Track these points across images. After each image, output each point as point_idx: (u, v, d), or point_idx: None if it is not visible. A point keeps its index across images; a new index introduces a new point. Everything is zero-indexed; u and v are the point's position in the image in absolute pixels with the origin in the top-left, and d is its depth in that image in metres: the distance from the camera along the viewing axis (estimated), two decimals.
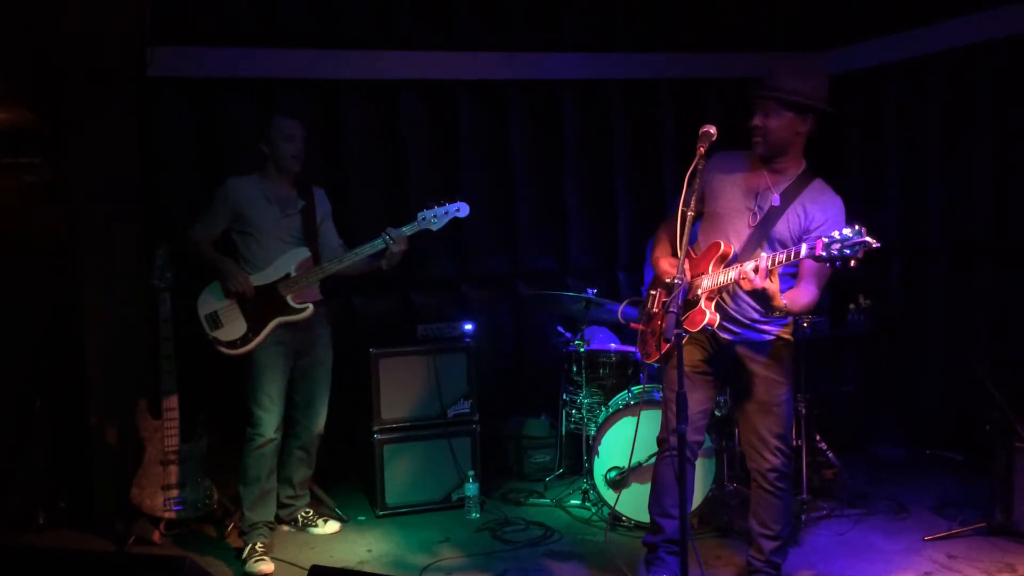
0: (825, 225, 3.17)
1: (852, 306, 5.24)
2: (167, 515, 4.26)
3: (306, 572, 2.99)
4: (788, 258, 2.94)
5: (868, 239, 2.69)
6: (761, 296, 3.02)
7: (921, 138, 5.31)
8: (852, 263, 2.72)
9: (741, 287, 3.07)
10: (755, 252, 3.22)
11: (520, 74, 5.35)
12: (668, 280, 3.37)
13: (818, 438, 4.81)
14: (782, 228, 3.24)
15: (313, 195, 4.27)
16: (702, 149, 3.14)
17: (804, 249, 2.86)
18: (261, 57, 4.87)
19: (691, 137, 3.19)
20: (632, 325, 3.61)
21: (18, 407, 4.57)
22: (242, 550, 4.07)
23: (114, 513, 4.35)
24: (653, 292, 3.56)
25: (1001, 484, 4.10)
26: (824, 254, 2.76)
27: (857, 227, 2.73)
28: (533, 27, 5.36)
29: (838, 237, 2.74)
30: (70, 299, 4.55)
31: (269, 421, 4.08)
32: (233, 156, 4.84)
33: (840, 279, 5.31)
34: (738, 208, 3.30)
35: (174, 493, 4.28)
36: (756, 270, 2.98)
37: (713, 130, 3.16)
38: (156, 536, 4.25)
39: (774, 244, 3.25)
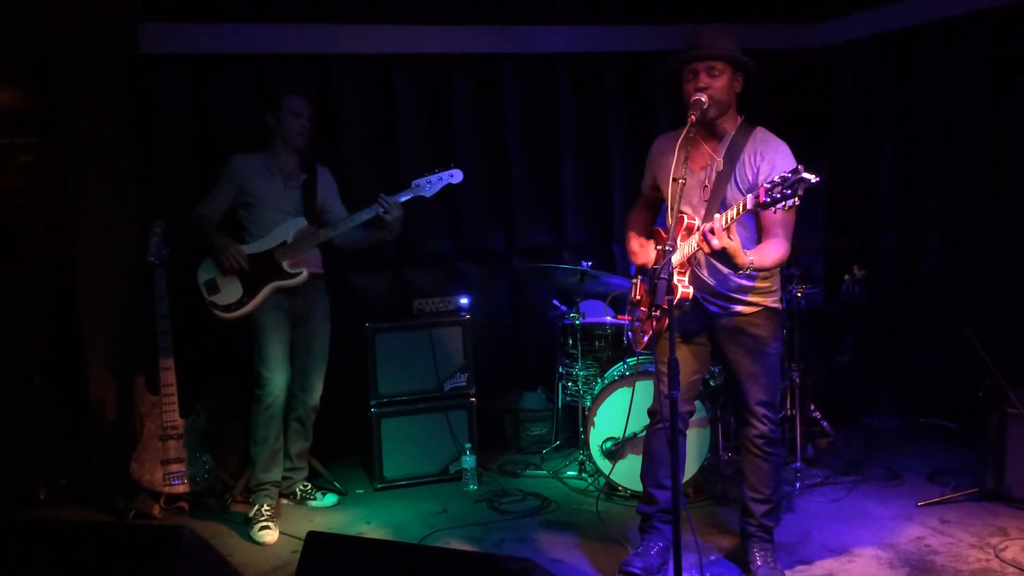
0: (773, 172, 3.19)
1: (847, 277, 5.27)
2: (167, 490, 4.30)
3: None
4: (738, 212, 2.99)
5: (805, 175, 2.76)
6: (724, 256, 3.05)
7: (915, 109, 5.30)
8: (796, 200, 2.80)
9: (704, 251, 3.10)
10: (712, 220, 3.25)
11: (514, 48, 5.33)
12: (658, 247, 3.39)
13: (813, 407, 4.84)
14: (733, 194, 3.26)
15: (316, 172, 4.35)
16: (693, 117, 3.16)
17: (750, 200, 2.93)
18: (254, 32, 4.86)
19: (686, 109, 3.19)
20: (619, 317, 3.63)
21: (18, 385, 4.60)
22: (248, 512, 4.14)
23: (114, 488, 4.39)
24: (635, 280, 3.58)
25: (993, 450, 4.14)
26: (767, 199, 2.84)
27: (796, 166, 2.79)
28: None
29: (777, 180, 2.81)
30: (68, 277, 4.57)
31: (276, 381, 4.16)
32: (227, 131, 4.84)
33: (834, 250, 5.39)
34: (690, 185, 3.32)
35: (173, 468, 4.31)
36: (712, 231, 3.01)
37: (705, 98, 3.18)
38: (156, 511, 4.29)
39: (730, 207, 3.26)
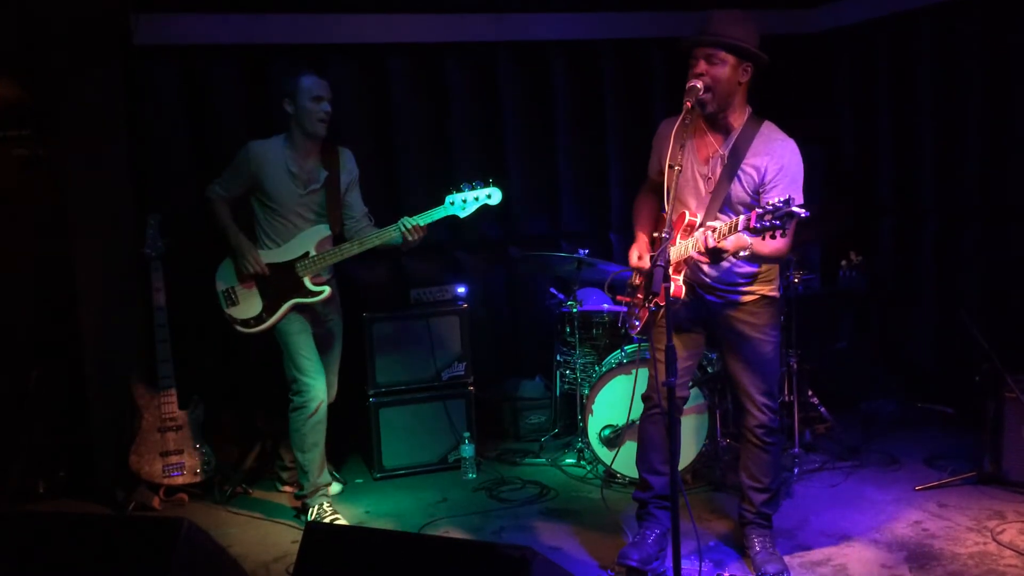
0: (779, 175, 3.18)
1: (844, 262, 5.28)
2: (166, 481, 4.31)
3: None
4: (731, 230, 2.98)
5: (795, 209, 2.77)
6: (716, 255, 3.06)
7: (912, 94, 5.29)
8: (781, 233, 2.82)
9: (704, 263, 3.13)
10: (714, 219, 3.25)
11: (509, 36, 5.32)
12: (655, 234, 3.39)
13: (811, 393, 4.85)
14: (737, 190, 3.24)
15: (339, 162, 4.06)
16: (688, 104, 3.14)
17: (741, 222, 2.92)
18: (248, 23, 4.84)
19: (681, 96, 3.17)
20: (619, 298, 3.63)
21: (16, 378, 4.59)
22: (307, 511, 4.08)
23: (114, 481, 4.39)
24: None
25: (991, 434, 4.15)
26: (757, 225, 2.84)
27: (788, 197, 2.80)
28: None
29: (769, 208, 2.81)
30: (65, 270, 4.56)
31: (316, 385, 4.03)
32: (221, 123, 4.83)
33: (831, 236, 5.39)
34: (692, 175, 3.31)
35: (173, 460, 4.32)
36: (707, 250, 3.03)
37: (700, 84, 3.16)
38: (156, 502, 4.30)
39: (734, 207, 3.26)
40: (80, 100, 4.48)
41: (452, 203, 3.89)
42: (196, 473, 4.36)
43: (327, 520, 4.01)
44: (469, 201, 3.89)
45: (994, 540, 3.60)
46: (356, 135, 5.16)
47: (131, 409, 4.35)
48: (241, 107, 4.92)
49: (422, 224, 3.88)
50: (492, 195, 3.92)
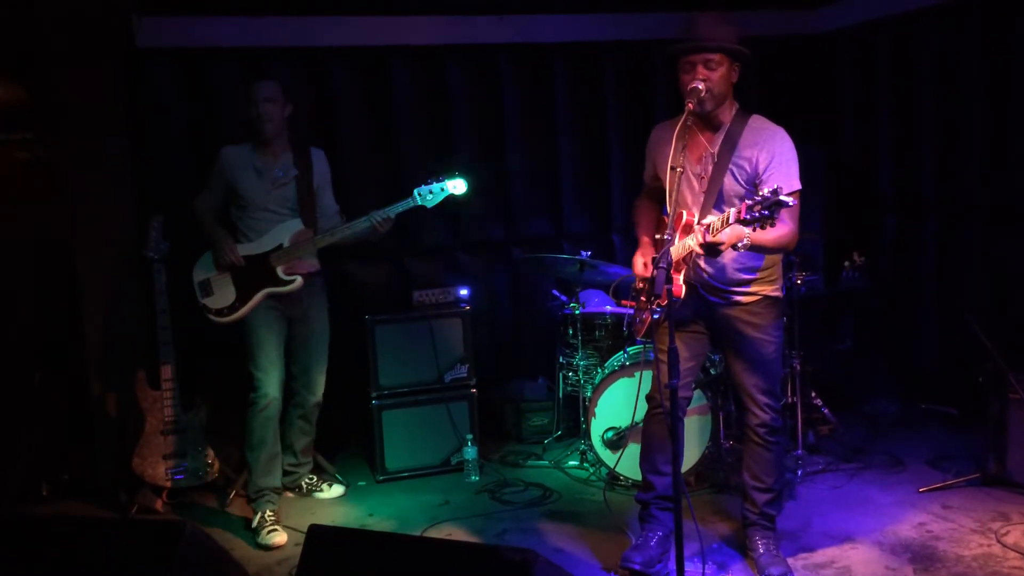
0: (772, 164, 3.20)
1: (847, 263, 5.27)
2: (169, 484, 4.31)
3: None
4: (724, 223, 2.98)
5: (783, 198, 2.78)
6: (714, 250, 3.06)
7: (913, 94, 5.28)
8: (774, 221, 2.84)
9: (701, 255, 3.13)
10: (709, 214, 3.25)
11: (510, 38, 5.32)
12: (658, 236, 3.40)
13: (814, 395, 4.84)
14: (730, 184, 3.25)
15: (311, 160, 4.20)
16: (691, 105, 3.14)
17: (733, 214, 2.93)
18: (249, 26, 4.85)
19: (683, 97, 3.17)
20: (624, 303, 3.63)
21: (19, 380, 4.60)
22: (251, 519, 4.09)
23: (116, 483, 4.39)
24: None
25: (995, 435, 4.14)
26: (748, 216, 2.85)
27: (776, 187, 2.81)
28: None
29: (759, 198, 2.83)
30: (67, 271, 4.57)
31: (269, 382, 4.10)
32: (223, 125, 4.83)
33: (834, 237, 5.38)
34: (687, 176, 3.32)
35: (175, 462, 4.32)
36: (702, 244, 3.03)
37: (702, 86, 3.16)
38: (159, 505, 4.30)
39: (729, 201, 3.25)
40: (82, 102, 4.49)
41: (419, 195, 4.07)
42: (199, 476, 4.36)
43: (265, 530, 3.96)
44: (436, 192, 4.08)
45: (998, 542, 3.59)
46: (358, 137, 5.17)
47: (134, 412, 4.35)
48: (242, 109, 4.91)
49: (391, 216, 4.05)
50: (457, 186, 4.11)
